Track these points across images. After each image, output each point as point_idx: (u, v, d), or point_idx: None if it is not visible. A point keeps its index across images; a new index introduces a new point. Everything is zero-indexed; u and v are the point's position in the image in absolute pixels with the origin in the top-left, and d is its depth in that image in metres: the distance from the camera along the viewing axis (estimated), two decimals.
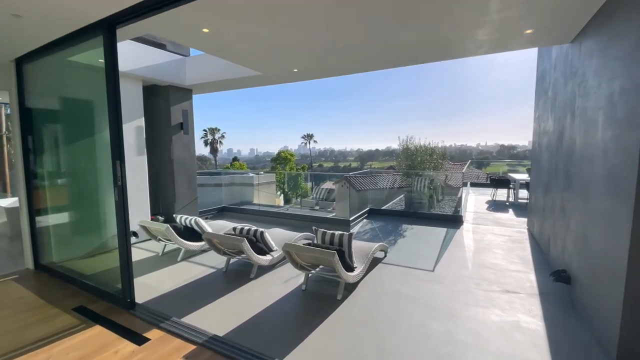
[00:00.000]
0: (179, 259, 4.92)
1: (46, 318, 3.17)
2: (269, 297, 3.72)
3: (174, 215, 5.55)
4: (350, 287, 3.88)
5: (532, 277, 4.20)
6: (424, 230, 6.49)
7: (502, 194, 10.39)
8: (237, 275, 4.35)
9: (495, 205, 8.89)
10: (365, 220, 7.36)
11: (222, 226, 5.92)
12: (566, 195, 3.91)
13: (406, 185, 9.70)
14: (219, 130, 55.82)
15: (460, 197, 9.62)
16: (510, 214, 7.73)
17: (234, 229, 4.64)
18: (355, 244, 4.64)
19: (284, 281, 4.12)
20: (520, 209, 8.31)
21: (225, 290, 3.91)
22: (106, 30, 3.13)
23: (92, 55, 3.48)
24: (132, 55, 5.45)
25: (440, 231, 6.38)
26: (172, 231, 4.70)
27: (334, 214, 20.45)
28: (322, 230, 4.03)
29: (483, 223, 6.89)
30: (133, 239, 5.71)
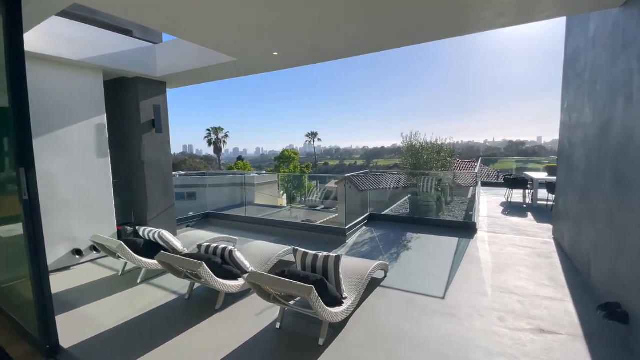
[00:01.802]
0: (138, 281, 4.14)
1: None
2: (235, 337, 2.90)
3: (136, 227, 4.77)
4: (339, 325, 3.04)
5: (570, 307, 3.31)
6: (431, 241, 5.61)
7: (517, 195, 9.43)
8: (201, 303, 3.55)
9: (511, 209, 7.95)
10: (364, 227, 6.50)
11: (197, 238, 5.12)
12: (617, 202, 3.01)
13: (411, 185, 8.81)
14: (222, 129, 55.28)
15: (472, 199, 8.71)
16: (529, 219, 6.79)
17: (199, 246, 3.83)
18: (348, 263, 3.80)
19: (256, 314, 3.30)
20: (540, 213, 7.36)
21: (183, 326, 3.11)
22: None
23: None
24: (88, 41, 4.66)
25: (451, 242, 5.49)
26: (126, 248, 3.91)
27: (336, 215, 19.66)
28: (303, 251, 3.19)
29: (500, 230, 5.98)
30: (94, 254, 4.95)
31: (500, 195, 9.74)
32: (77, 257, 4.72)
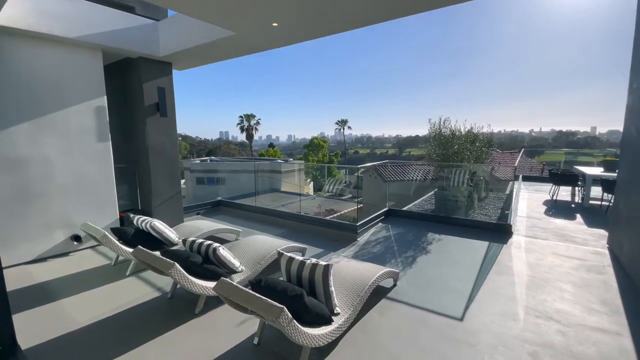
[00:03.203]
0: (127, 273, 3.91)
1: None
2: (207, 351, 2.52)
3: (130, 215, 4.56)
4: (327, 346, 2.54)
5: (628, 344, 2.56)
6: (456, 244, 4.88)
7: (564, 193, 8.25)
8: (183, 305, 3.21)
9: (557, 209, 6.90)
10: (380, 224, 5.89)
11: (196, 229, 4.84)
12: None
13: (440, 178, 7.97)
14: (254, 116, 55.83)
15: (510, 196, 7.71)
16: (578, 223, 5.78)
17: (184, 240, 3.48)
18: (350, 267, 3.28)
19: (237, 324, 2.89)
20: (592, 215, 6.28)
21: (158, 330, 2.79)
22: None
23: None
24: (84, 18, 4.40)
25: (480, 246, 4.74)
26: (110, 239, 3.67)
27: (362, 205, 18.97)
28: (288, 256, 2.70)
29: (541, 235, 5.10)
30: (94, 241, 4.83)
31: (544, 191, 8.59)
32: (76, 243, 4.61)
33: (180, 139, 60.71)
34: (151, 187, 5.56)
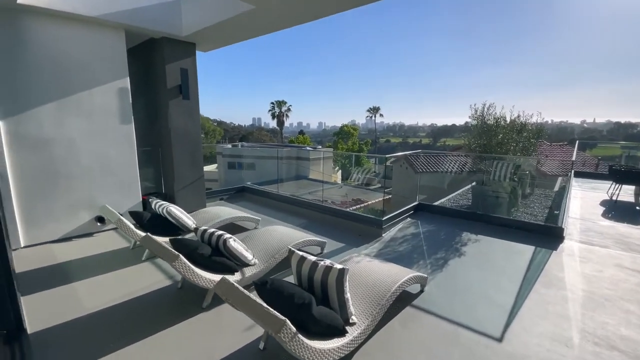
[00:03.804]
0: (143, 258, 3.85)
1: None
2: (211, 351, 2.32)
3: (149, 199, 4.50)
4: None
5: None
6: (496, 247, 4.34)
7: (625, 193, 7.21)
8: (191, 296, 3.05)
9: (618, 211, 6.01)
10: (409, 219, 5.43)
11: (215, 215, 4.71)
12: None
13: (478, 171, 7.26)
14: (285, 103, 55.87)
15: (560, 194, 6.87)
16: None
17: (196, 229, 3.31)
18: (371, 269, 2.94)
19: (243, 324, 2.66)
20: None
21: (163, 323, 2.64)
22: None
23: None
24: None
25: (524, 251, 4.17)
26: (125, 223, 3.59)
27: (389, 196, 18.37)
28: (300, 254, 2.40)
29: (598, 242, 4.40)
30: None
31: (601, 190, 7.58)
32: (99, 224, 4.66)
33: (215, 124, 62.50)
34: (174, 171, 5.50)
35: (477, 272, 3.61)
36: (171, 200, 5.64)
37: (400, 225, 5.12)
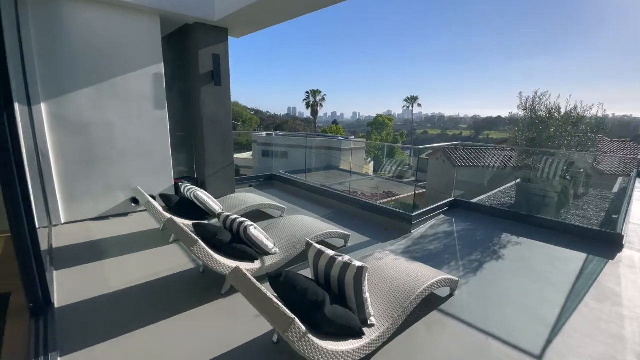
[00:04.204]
0: (170, 240, 3.95)
1: None
2: (224, 339, 2.29)
3: (180, 183, 4.59)
4: None
5: None
6: (540, 252, 3.92)
7: None
8: (212, 281, 3.05)
9: None
10: (442, 216, 5.08)
11: (241, 202, 4.72)
12: None
13: (525, 167, 6.64)
14: (320, 92, 55.60)
15: (620, 196, 6.09)
16: None
17: (219, 215, 3.30)
18: (396, 267, 2.75)
19: (259, 315, 2.61)
20: None
21: (181, 307, 2.66)
22: None
23: None
24: None
25: (573, 259, 3.71)
26: (154, 205, 3.68)
27: (424, 190, 17.72)
28: (318, 247, 2.26)
29: None
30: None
31: None
32: (134, 205, 4.86)
33: (252, 113, 63.85)
34: (205, 156, 5.59)
35: (516, 279, 3.26)
36: (202, 185, 5.76)
37: (432, 222, 4.81)
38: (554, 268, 3.51)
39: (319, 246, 2.26)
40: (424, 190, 17.37)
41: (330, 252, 2.20)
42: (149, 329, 2.40)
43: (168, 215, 3.75)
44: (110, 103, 4.47)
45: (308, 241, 2.35)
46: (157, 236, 4.12)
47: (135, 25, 4.52)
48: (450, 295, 2.91)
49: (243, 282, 1.87)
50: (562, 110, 6.20)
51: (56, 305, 2.56)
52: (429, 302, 2.76)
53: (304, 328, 1.61)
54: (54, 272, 3.09)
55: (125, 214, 4.85)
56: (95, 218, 4.60)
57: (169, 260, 3.48)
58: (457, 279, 2.88)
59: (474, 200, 5.76)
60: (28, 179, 3.60)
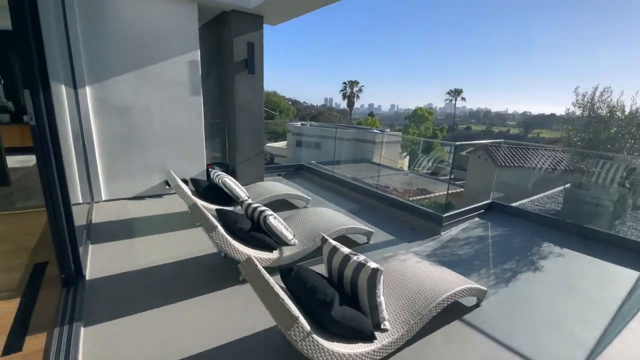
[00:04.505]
0: (197, 223, 4.08)
1: (1, 269, 2.77)
2: (236, 327, 2.31)
3: (210, 169, 4.71)
4: None
5: None
6: (585, 266, 3.52)
7: None
8: (232, 268, 3.10)
9: None
10: (477, 219, 4.75)
11: (267, 190, 4.75)
12: None
13: (576, 171, 6.01)
14: (357, 83, 54.61)
15: None
16: None
17: (242, 202, 3.33)
18: (416, 271, 2.61)
19: None
20: None
21: (199, 290, 2.73)
22: None
23: None
24: None
25: (624, 277, 3.29)
26: (182, 188, 3.80)
27: (461, 189, 16.86)
28: (333, 244, 2.18)
29: None
30: None
31: None
32: (167, 187, 5.09)
33: (290, 103, 64.47)
34: (236, 143, 5.70)
35: (553, 294, 2.95)
36: (232, 171, 5.90)
37: (465, 225, 4.51)
38: (599, 286, 3.14)
39: (334, 243, 2.18)
40: (462, 190, 16.53)
41: (346, 250, 2.10)
42: (167, 308, 2.48)
43: (196, 199, 3.87)
44: (149, 88, 4.67)
45: (323, 236, 2.28)
46: (186, 219, 4.28)
47: (174, 12, 4.64)
48: (476, 305, 2.70)
49: (253, 272, 1.85)
50: (627, 109, 5.47)
51: (87, 277, 2.74)
52: (451, 310, 2.58)
53: (308, 327, 1.55)
54: (90, 246, 3.32)
55: (159, 195, 5.10)
56: (132, 197, 4.88)
57: (194, 243, 3.60)
58: (485, 288, 2.66)
59: (514, 204, 5.32)
60: (73, 157, 3.90)
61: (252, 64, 5.45)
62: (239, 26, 5.24)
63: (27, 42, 2.09)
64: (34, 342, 1.91)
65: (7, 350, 1.83)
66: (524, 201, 6.02)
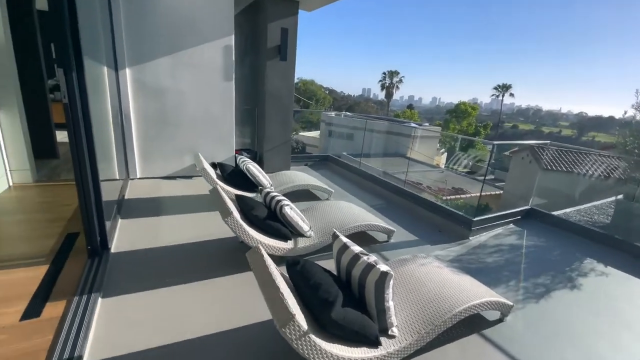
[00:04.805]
0: (215, 206, 4.16)
1: (38, 236, 3.00)
2: (245, 314, 2.32)
3: (238, 155, 4.77)
4: None
5: None
6: (631, 289, 3.13)
7: None
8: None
9: None
10: (512, 226, 4.40)
11: (290, 179, 4.74)
12: None
13: (631, 180, 5.34)
14: (398, 73, 52.86)
15: None
16: None
17: (260, 190, 3.32)
18: (434, 278, 2.46)
19: None
20: None
21: (214, 272, 2.77)
22: None
23: None
24: None
25: None
26: (207, 172, 3.88)
27: (500, 192, 15.86)
28: (344, 241, 2.08)
29: None
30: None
31: None
32: (198, 169, 5.24)
33: (327, 92, 64.10)
34: (265, 131, 5.72)
35: (589, 317, 2.65)
36: (259, 158, 5.95)
37: (497, 231, 4.20)
38: None
39: (344, 240, 2.09)
40: (501, 192, 15.54)
41: (356, 249, 2.00)
42: (184, 287, 2.55)
43: (217, 183, 3.94)
44: (184, 72, 4.78)
45: (335, 232, 2.19)
46: (208, 201, 4.39)
47: None
48: (500, 320, 2.49)
49: (258, 262, 1.82)
50: None
51: (112, 250, 2.89)
52: (470, 322, 2.40)
53: (305, 327, 1.48)
54: (120, 220, 3.51)
55: (189, 177, 5.28)
56: (164, 177, 5.10)
57: (218, 226, 3.65)
58: (511, 303, 2.44)
59: (556, 213, 4.85)
60: (112, 135, 4.11)
61: (284, 51, 5.39)
62: (274, 11, 5.17)
63: (62, 21, 2.17)
64: (52, 309, 2.04)
65: (26, 315, 1.97)
66: (568, 210, 5.48)
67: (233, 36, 4.99)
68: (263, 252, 1.88)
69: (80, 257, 2.62)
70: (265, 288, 1.66)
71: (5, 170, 4.08)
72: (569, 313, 2.68)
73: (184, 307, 2.33)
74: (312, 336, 1.52)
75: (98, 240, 2.65)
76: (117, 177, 4.42)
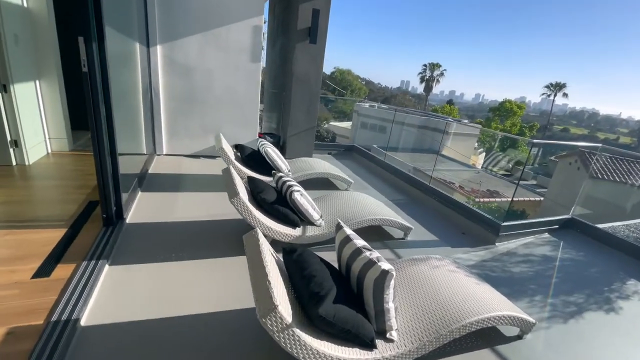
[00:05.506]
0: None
1: (64, 200, 3.16)
2: (246, 297, 2.29)
3: (260, 138, 4.73)
4: None
5: None
6: None
7: None
8: None
9: None
10: (547, 235, 4.00)
11: (309, 166, 4.64)
12: None
13: None
14: (439, 66, 50.41)
15: None
16: None
17: (274, 174, 3.24)
18: (446, 282, 2.27)
19: None
20: None
21: (222, 251, 2.77)
22: None
23: None
24: None
25: None
26: (226, 152, 3.88)
27: (540, 199, 14.76)
28: (347, 233, 1.94)
29: None
30: None
31: None
32: (217, 148, 5.29)
33: (363, 83, 62.79)
34: (289, 115, 5.63)
35: (624, 345, 2.31)
36: (283, 143, 5.89)
37: (528, 239, 3.83)
38: None
39: (348, 232, 1.95)
40: (541, 199, 14.44)
41: (359, 242, 1.86)
42: (190, 262, 2.56)
43: (234, 164, 3.93)
44: (212, 51, 4.78)
45: (339, 223, 2.06)
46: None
47: None
48: (518, 337, 2.24)
49: (252, 245, 1.74)
50: None
51: (127, 221, 2.97)
52: (484, 335, 2.19)
53: (288, 320, 1.38)
54: (140, 193, 3.61)
55: (213, 157, 5.35)
56: (189, 155, 5.20)
57: (231, 207, 3.66)
58: (533, 321, 2.18)
59: (601, 225, 4.33)
60: (141, 110, 4.20)
61: (314, 33, 5.21)
62: None
63: None
64: (62, 271, 2.11)
65: (37, 274, 2.06)
66: (615, 224, 4.88)
67: (263, 16, 4.90)
68: (260, 236, 1.80)
69: (96, 224, 2.72)
70: (254, 272, 1.57)
71: (45, 137, 4.35)
72: (602, 339, 2.36)
73: (188, 284, 2.32)
74: (297, 330, 1.41)
75: (113, 210, 2.72)
76: (145, 152, 4.56)
